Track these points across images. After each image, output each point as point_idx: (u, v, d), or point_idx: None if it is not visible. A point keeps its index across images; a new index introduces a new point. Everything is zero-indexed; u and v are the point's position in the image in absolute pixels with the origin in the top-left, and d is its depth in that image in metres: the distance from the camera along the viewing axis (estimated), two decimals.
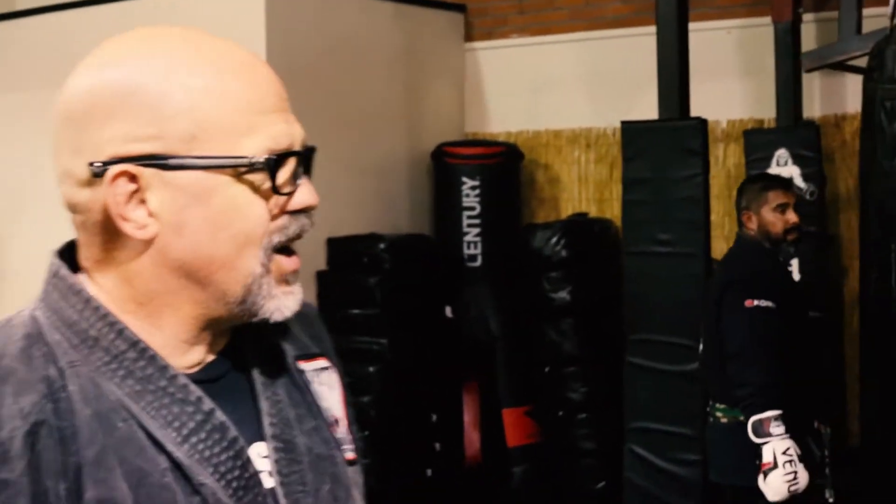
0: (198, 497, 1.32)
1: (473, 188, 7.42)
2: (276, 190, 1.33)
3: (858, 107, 5.04)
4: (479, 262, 7.43)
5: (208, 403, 1.35)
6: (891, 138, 4.94)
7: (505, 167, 7.52)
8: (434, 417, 7.22)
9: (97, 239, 1.36)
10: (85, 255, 1.39)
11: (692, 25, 6.96)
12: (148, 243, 1.34)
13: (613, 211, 7.57)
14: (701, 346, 4.79)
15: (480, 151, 7.55)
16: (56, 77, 5.74)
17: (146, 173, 1.31)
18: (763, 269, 4.62)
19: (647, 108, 6.92)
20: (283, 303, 1.38)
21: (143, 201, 1.32)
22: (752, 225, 4.63)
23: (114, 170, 1.30)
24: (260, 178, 1.33)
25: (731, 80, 7.18)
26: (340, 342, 5.41)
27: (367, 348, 6.97)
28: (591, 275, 7.09)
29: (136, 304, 1.36)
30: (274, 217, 1.35)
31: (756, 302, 4.41)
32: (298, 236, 1.39)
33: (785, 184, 4.80)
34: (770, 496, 4.29)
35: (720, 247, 6.67)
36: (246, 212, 1.34)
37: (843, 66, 5.55)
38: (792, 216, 4.64)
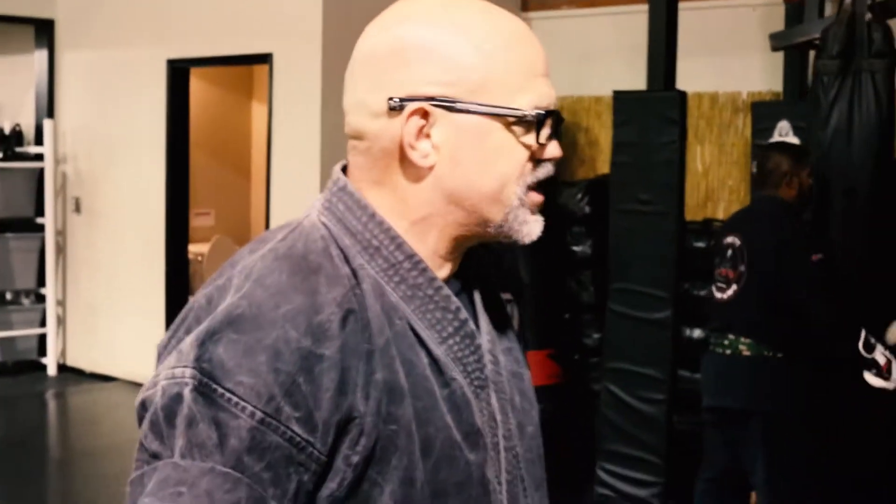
0: (447, 389, 1.50)
1: None
2: (538, 140, 1.52)
3: None
4: None
5: (464, 313, 1.55)
6: (825, 110, 5.43)
7: None
8: None
9: (381, 163, 1.54)
10: (360, 177, 1.56)
11: (718, 2, 7.47)
12: (427, 171, 1.52)
13: None
14: (731, 290, 5.03)
15: None
16: (145, 37, 6.85)
17: (436, 112, 1.49)
18: (803, 230, 5.06)
19: (681, 77, 7.47)
20: (532, 228, 1.56)
21: (428, 135, 1.50)
22: (793, 190, 5.08)
23: (411, 106, 1.48)
24: (522, 129, 1.51)
25: (754, 54, 7.62)
26: None
27: None
28: None
29: (407, 221, 1.54)
30: (530, 161, 1.53)
31: (817, 257, 4.91)
32: (546, 178, 1.57)
33: (808, 154, 5.26)
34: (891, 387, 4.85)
35: (733, 209, 7.19)
36: (510, 155, 1.52)
37: (808, 46, 5.98)
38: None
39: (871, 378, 4.87)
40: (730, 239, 5.04)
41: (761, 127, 7.01)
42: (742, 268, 4.93)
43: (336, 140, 7.67)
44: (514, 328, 1.72)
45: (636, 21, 7.90)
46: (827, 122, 5.38)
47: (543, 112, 1.51)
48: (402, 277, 1.51)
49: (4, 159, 9.38)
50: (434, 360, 1.50)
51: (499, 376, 1.60)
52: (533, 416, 1.68)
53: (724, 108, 7.78)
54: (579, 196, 7.72)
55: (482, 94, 1.49)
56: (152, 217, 8.85)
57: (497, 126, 1.50)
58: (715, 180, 7.95)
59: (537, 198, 1.56)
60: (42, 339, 9.72)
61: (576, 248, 7.74)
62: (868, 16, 5.32)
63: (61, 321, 9.72)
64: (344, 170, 1.58)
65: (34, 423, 8.58)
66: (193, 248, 10.18)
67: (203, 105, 9.98)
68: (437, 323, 1.52)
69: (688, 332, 7.10)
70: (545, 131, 1.52)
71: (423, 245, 1.54)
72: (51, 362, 9.63)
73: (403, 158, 1.51)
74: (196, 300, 1.47)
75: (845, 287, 5.08)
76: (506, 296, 1.73)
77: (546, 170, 1.55)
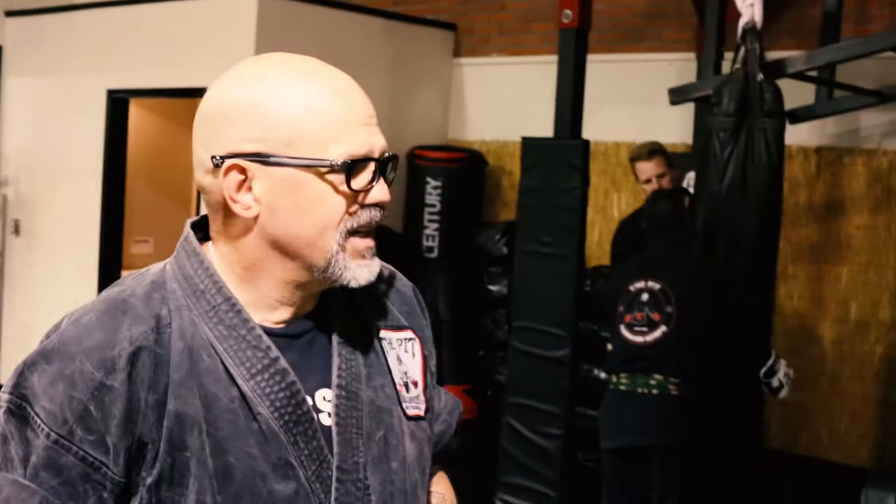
0: (255, 423, 1.61)
1: (436, 188, 8.30)
2: (349, 187, 1.62)
3: None
4: (435, 254, 8.30)
5: (275, 352, 1.65)
6: (721, 164, 5.71)
7: (466, 171, 8.35)
8: None
9: (218, 215, 1.69)
10: (211, 227, 1.72)
11: (639, 55, 7.77)
12: (252, 221, 1.64)
13: None
14: (658, 332, 5.30)
15: (445, 156, 8.40)
16: (87, 66, 7.10)
17: (253, 167, 1.61)
18: (723, 270, 5.35)
19: (601, 125, 7.76)
20: (357, 273, 1.67)
21: (249, 188, 1.63)
22: (687, 230, 5.39)
23: (229, 162, 1.62)
24: (339, 178, 1.62)
25: (669, 107, 7.90)
26: None
27: None
28: None
29: (241, 267, 1.68)
30: (350, 207, 1.64)
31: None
32: (370, 224, 1.68)
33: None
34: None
35: None
36: (326, 202, 1.62)
37: (702, 101, 6.27)
38: None
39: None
40: (640, 284, 5.29)
41: (673, 176, 7.30)
42: (669, 308, 5.18)
43: None
44: (390, 364, 1.79)
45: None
46: (723, 177, 5.64)
47: (351, 160, 1.61)
48: (220, 318, 1.64)
49: None
50: (242, 395, 1.61)
51: (354, 411, 1.69)
52: (399, 451, 1.74)
53: None
54: (497, 237, 8.00)
55: (294, 147, 1.60)
56: (88, 242, 9.05)
57: (311, 177, 1.61)
58: None
59: (361, 243, 1.67)
60: None
61: (492, 287, 8.02)
62: (760, 76, 5.61)
63: None
64: (196, 224, 1.76)
65: None
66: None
67: (144, 135, 10.19)
68: (246, 360, 1.63)
69: (590, 370, 7.37)
70: (363, 177, 1.63)
71: (255, 290, 1.68)
72: None
73: (229, 211, 1.65)
74: (43, 336, 1.65)
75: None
76: (407, 333, 1.85)
77: (369, 215, 1.65)
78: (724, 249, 5.66)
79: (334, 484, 1.65)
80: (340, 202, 1.63)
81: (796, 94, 6.86)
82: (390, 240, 8.27)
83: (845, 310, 7.17)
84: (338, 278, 1.66)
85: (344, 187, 1.62)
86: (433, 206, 8.30)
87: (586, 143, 6.43)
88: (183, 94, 8.48)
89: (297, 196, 1.62)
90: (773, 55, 6.16)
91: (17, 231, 9.69)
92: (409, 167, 8.55)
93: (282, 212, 1.62)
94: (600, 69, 8.09)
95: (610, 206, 8.24)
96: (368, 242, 1.68)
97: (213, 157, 1.63)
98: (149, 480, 1.57)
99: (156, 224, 10.67)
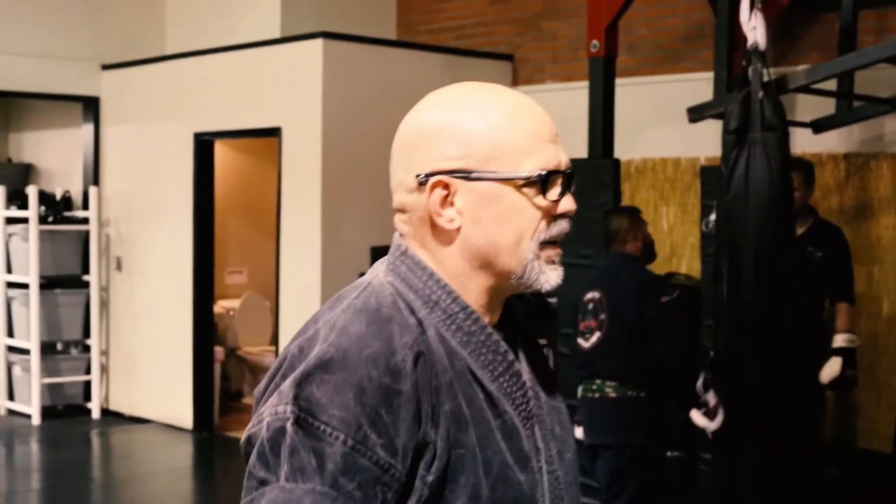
0: (500, 420, 1.71)
1: None
2: (545, 197, 1.71)
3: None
4: None
5: (511, 355, 1.76)
6: (726, 177, 6.19)
7: None
8: None
9: (420, 230, 1.75)
10: (411, 245, 1.77)
11: (681, 76, 8.26)
12: (455, 233, 1.72)
13: None
14: (594, 338, 5.79)
15: None
16: (174, 112, 8.11)
17: (455, 182, 1.70)
18: (653, 277, 5.90)
19: (648, 143, 8.26)
20: (550, 276, 1.75)
21: (452, 203, 1.71)
22: (638, 243, 5.91)
23: (433, 180, 1.71)
24: (533, 190, 1.71)
25: (710, 123, 8.38)
26: None
27: None
28: None
29: (449, 277, 1.75)
30: (544, 218, 1.73)
31: (666, 298, 5.70)
32: (561, 234, 1.76)
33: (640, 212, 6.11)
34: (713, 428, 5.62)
35: (695, 264, 7.96)
36: (523, 213, 1.71)
37: (719, 118, 6.75)
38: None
39: (696, 417, 5.63)
40: (590, 295, 5.80)
41: (708, 189, 7.76)
42: (602, 316, 5.68)
43: (334, 202, 8.58)
44: (550, 368, 1.93)
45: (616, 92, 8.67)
46: (728, 189, 6.13)
47: (545, 173, 1.70)
48: (458, 326, 1.72)
49: (55, 222, 10.40)
50: (489, 395, 1.71)
51: (540, 410, 1.80)
52: (570, 444, 1.88)
53: (685, 172, 8.54)
54: None
55: (492, 162, 1.69)
56: (182, 274, 9.80)
57: (508, 189, 1.70)
58: (678, 237, 8.69)
59: (552, 251, 1.75)
60: (87, 385, 10.68)
61: (551, 300, 8.54)
62: (760, 93, 6.08)
63: (104, 369, 10.68)
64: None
65: (80, 458, 9.56)
66: (226, 304, 11.13)
67: (234, 173, 10.94)
68: (489, 364, 1.72)
69: None
70: (554, 190, 1.73)
71: (467, 297, 1.75)
72: (95, 406, 10.59)
73: (434, 225, 1.73)
74: (289, 350, 1.68)
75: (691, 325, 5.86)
76: (542, 341, 2.19)
77: (560, 227, 1.75)
78: (729, 258, 6.14)
79: (545, 476, 1.78)
80: (536, 213, 1.72)
81: (821, 105, 7.32)
82: None
83: (878, 306, 7.58)
84: (532, 283, 1.74)
85: (538, 199, 1.71)
86: None
87: (616, 161, 6.97)
88: (260, 134, 9.21)
89: (496, 208, 1.71)
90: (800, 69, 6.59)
91: (119, 267, 10.49)
92: None
93: (483, 223, 1.71)
94: (645, 90, 8.64)
95: (659, 219, 8.72)
96: (557, 250, 1.77)
97: (417, 176, 1.72)
98: (429, 478, 1.63)
99: (249, 256, 11.40)
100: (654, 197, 8.77)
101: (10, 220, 10.49)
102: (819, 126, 7.33)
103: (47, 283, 10.42)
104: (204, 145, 9.67)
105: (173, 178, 9.86)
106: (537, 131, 1.73)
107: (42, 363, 10.34)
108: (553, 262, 1.76)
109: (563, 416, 1.87)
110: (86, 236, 10.57)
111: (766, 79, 6.13)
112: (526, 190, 1.70)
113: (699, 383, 5.60)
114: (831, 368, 6.04)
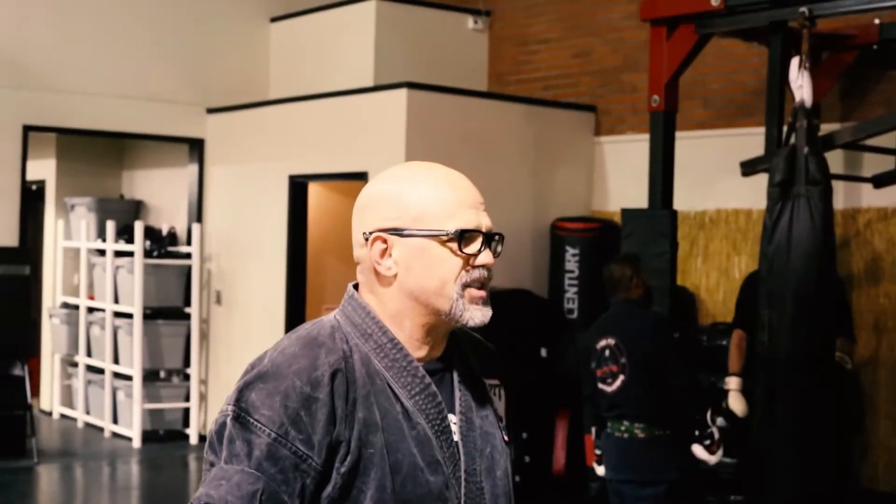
0: (414, 430, 2.08)
1: (574, 255, 9.17)
2: (461, 250, 2.10)
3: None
4: (575, 315, 9.14)
5: (428, 379, 2.13)
6: (769, 229, 6.42)
7: (601, 239, 9.13)
8: (525, 435, 8.97)
9: (369, 277, 2.16)
10: (363, 289, 2.19)
11: (757, 129, 8.48)
12: (393, 279, 2.12)
13: (692, 280, 9.13)
14: (618, 381, 6.03)
15: (581, 226, 9.25)
16: (272, 154, 8.71)
17: (391, 238, 2.12)
18: (662, 317, 6.19)
19: (722, 194, 8.50)
20: (473, 314, 2.12)
21: (390, 255, 2.12)
22: (639, 290, 6.19)
23: (374, 235, 2.12)
24: (455, 245, 2.10)
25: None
26: None
27: None
28: None
29: (388, 316, 2.14)
30: (465, 267, 2.11)
31: (675, 335, 6.01)
32: (479, 280, 2.13)
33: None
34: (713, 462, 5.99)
35: None
36: (446, 262, 2.10)
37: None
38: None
39: (698, 451, 5.88)
40: (603, 342, 6.03)
41: None
42: (623, 360, 5.94)
43: None
44: (492, 401, 2.26)
45: (683, 146, 8.83)
46: (770, 240, 6.35)
47: (461, 231, 2.09)
48: (385, 353, 2.12)
49: (160, 256, 10.98)
50: (405, 409, 2.09)
51: (471, 432, 2.17)
52: (501, 463, 2.22)
53: (756, 224, 8.73)
54: None
55: (421, 222, 2.10)
56: (276, 309, 10.26)
57: (434, 244, 2.10)
58: None
59: (476, 293, 2.13)
60: (186, 411, 11.21)
61: None
62: (805, 149, 6.31)
63: (203, 397, 11.20)
64: (356, 286, 2.22)
65: (177, 480, 10.06)
66: None
67: (330, 213, 11.40)
68: (407, 384, 2.11)
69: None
70: (473, 245, 2.11)
71: (402, 332, 2.14)
72: (193, 432, 11.11)
73: (377, 273, 2.14)
74: (247, 366, 2.11)
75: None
76: (493, 381, 2.30)
77: (479, 273, 2.12)
78: (770, 307, 6.36)
79: (463, 484, 2.13)
80: (457, 262, 2.11)
81: (888, 160, 7.51)
82: (536, 304, 9.18)
83: None
84: (459, 319, 2.11)
85: (459, 252, 2.10)
86: (572, 272, 9.17)
87: (674, 212, 7.23)
88: (348, 178, 9.64)
89: (424, 258, 2.10)
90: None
91: (218, 300, 11.01)
92: (551, 237, 9.45)
93: (413, 270, 2.11)
94: (719, 143, 8.89)
95: (731, 268, 8.94)
96: (482, 293, 2.14)
97: (363, 233, 2.14)
98: (342, 470, 2.02)
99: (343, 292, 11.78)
100: (727, 247, 8.99)
101: (119, 254, 11.10)
102: (879, 181, 7.52)
103: (151, 314, 10.98)
104: (298, 187, 10.14)
105: (269, 217, 10.34)
106: (459, 200, 2.13)
107: (144, 389, 10.87)
108: (477, 303, 2.13)
109: (496, 440, 2.23)
110: (188, 270, 11.11)
111: (812, 135, 6.38)
112: (449, 244, 2.10)
113: (708, 415, 5.86)
114: None
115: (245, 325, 10.70)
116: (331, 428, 2.01)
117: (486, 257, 2.13)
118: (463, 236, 2.10)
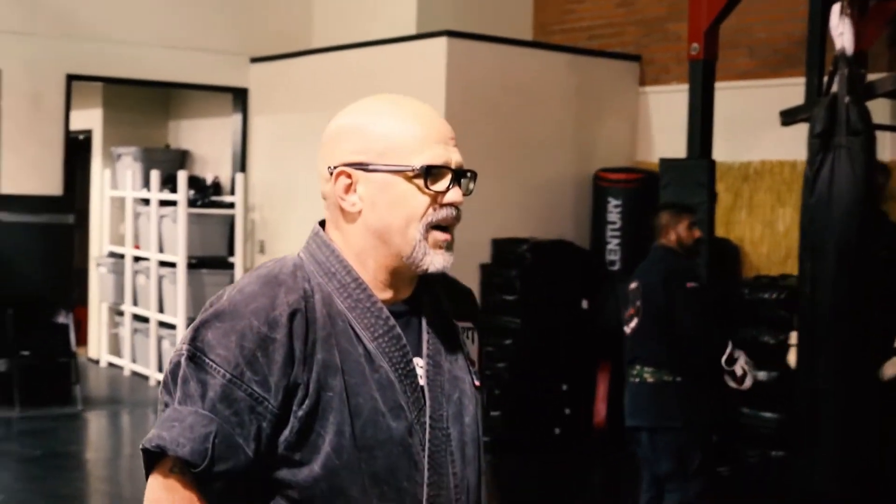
0: (377, 374, 2.00)
1: (616, 206, 9.08)
2: (427, 187, 2.01)
3: None
4: (617, 267, 9.07)
5: (392, 321, 2.04)
6: (810, 181, 6.33)
7: (643, 190, 9.04)
8: (565, 387, 8.94)
9: (334, 213, 2.08)
10: (329, 226, 2.10)
11: (794, 79, 8.37)
12: (357, 215, 2.04)
13: (736, 233, 9.02)
14: (633, 324, 6.03)
15: (624, 177, 9.17)
16: (315, 103, 8.66)
17: (356, 173, 2.03)
18: (681, 263, 6.08)
19: (767, 146, 8.39)
20: (434, 259, 2.03)
21: (354, 190, 2.03)
22: (672, 237, 6.11)
23: (338, 170, 2.04)
24: (422, 182, 2.01)
25: None
26: (491, 319, 7.66)
27: (505, 325, 8.83)
28: None
29: (353, 254, 2.06)
30: (431, 206, 2.02)
31: (691, 284, 5.91)
32: (447, 220, 2.04)
33: (690, 209, 6.28)
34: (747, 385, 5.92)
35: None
36: (411, 199, 2.01)
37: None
38: (697, 232, 6.15)
39: (729, 381, 5.83)
40: (632, 285, 6.01)
41: None
42: (638, 303, 5.90)
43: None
44: (463, 345, 2.18)
45: (727, 96, 8.72)
46: (812, 192, 6.26)
47: (427, 167, 2.00)
48: (348, 293, 2.03)
49: (204, 206, 11.01)
50: (367, 352, 2.01)
51: (438, 376, 2.09)
52: (470, 409, 2.14)
53: (801, 175, 8.61)
54: None
55: (386, 157, 2.01)
56: None
57: (400, 179, 2.01)
58: (793, 240, 8.76)
59: (440, 236, 2.04)
60: None
61: None
62: (846, 98, 6.20)
63: None
64: (322, 223, 2.14)
65: None
66: None
67: None
68: (370, 326, 2.03)
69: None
70: (442, 182, 2.03)
71: (366, 272, 2.06)
72: None
73: (342, 209, 2.06)
74: (206, 304, 2.04)
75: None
76: (466, 324, 2.22)
77: (446, 212, 2.04)
78: (812, 260, 6.28)
79: (428, 430, 2.04)
80: (423, 200, 2.02)
81: None
82: (577, 256, 9.11)
83: None
84: (419, 263, 2.03)
85: (426, 189, 2.02)
86: (614, 223, 9.09)
87: (712, 162, 7.14)
88: None
89: (389, 194, 2.01)
90: None
91: (262, 250, 11.02)
92: (593, 188, 9.36)
93: (378, 206, 2.02)
94: (763, 93, 8.74)
95: (776, 220, 8.82)
96: (446, 237, 2.05)
97: (328, 168, 2.06)
98: (300, 413, 1.94)
99: None
100: (771, 199, 8.87)
101: (164, 203, 11.13)
102: None
103: (196, 263, 11.00)
104: None
105: (312, 168, 10.28)
106: (426, 134, 2.04)
107: None
108: (440, 248, 2.04)
109: (465, 385, 2.14)
110: (232, 220, 11.14)
111: (854, 84, 6.26)
112: (416, 181, 2.01)
113: (724, 359, 5.79)
114: (893, 367, 6.13)
115: None
116: (288, 370, 1.94)
117: (454, 195, 2.04)
118: (430, 172, 2.01)
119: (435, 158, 2.02)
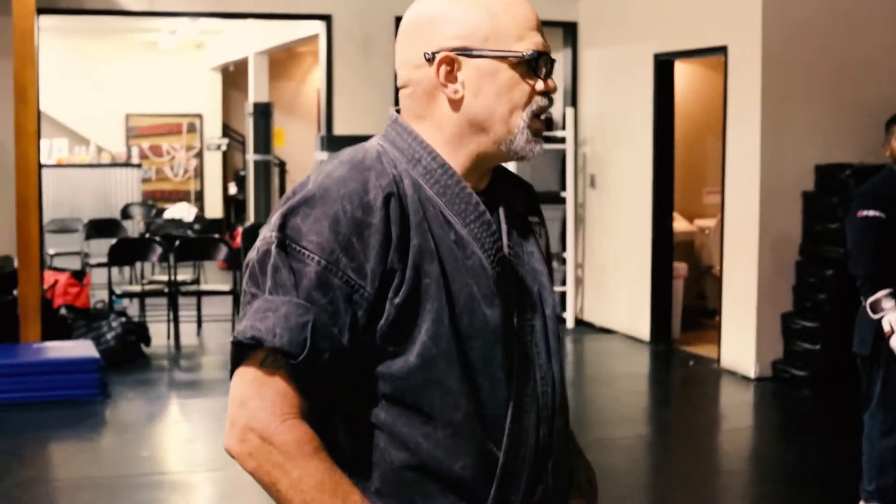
0: (469, 260, 1.95)
1: None
2: (535, 73, 1.97)
3: None
4: None
5: (482, 207, 1.99)
6: None
7: None
8: None
9: (422, 101, 2.01)
10: (406, 115, 2.04)
11: None
12: (456, 103, 1.98)
13: None
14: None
15: None
16: (636, 35, 10.78)
17: (459, 59, 1.96)
18: (882, 187, 5.48)
19: None
20: (534, 147, 1.99)
21: (456, 77, 1.97)
22: (888, 151, 5.58)
23: (440, 56, 1.96)
24: (525, 68, 1.96)
25: None
26: (814, 249, 8.13)
27: (827, 255, 8.44)
28: None
29: (442, 142, 2.00)
30: (533, 93, 1.97)
31: (865, 213, 5.36)
32: (543, 109, 2.00)
33: None
34: None
35: None
36: (517, 87, 1.96)
37: None
38: None
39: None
40: None
41: None
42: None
43: (774, 122, 8.58)
44: (538, 239, 2.15)
45: None
46: None
47: (536, 53, 1.96)
48: (436, 180, 1.97)
49: None
50: (459, 237, 1.95)
51: (519, 266, 2.04)
52: (549, 302, 2.09)
53: None
54: None
55: (490, 43, 1.95)
56: (643, 193, 10.13)
57: (504, 66, 1.96)
58: None
59: (539, 124, 2.01)
60: (563, 295, 11.28)
61: None
62: None
63: (580, 281, 11.26)
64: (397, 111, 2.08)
65: None
66: (703, 223, 11.35)
67: (693, 90, 11.10)
68: (461, 212, 1.97)
69: None
70: (542, 70, 1.98)
71: (454, 159, 2.00)
72: (569, 316, 11.19)
73: (435, 97, 1.99)
74: (287, 192, 1.96)
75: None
76: (534, 219, 2.18)
77: (543, 101, 1.99)
78: None
79: (516, 319, 2.01)
80: (527, 88, 1.97)
81: None
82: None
83: None
84: (519, 150, 1.99)
85: (528, 77, 1.98)
86: None
87: None
88: (708, 53, 9.38)
89: (494, 82, 1.96)
90: None
91: (593, 184, 11.00)
92: None
93: (482, 94, 1.96)
94: None
95: None
96: (541, 126, 2.02)
97: (425, 53, 1.97)
98: (396, 300, 1.88)
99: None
100: None
101: None
102: None
103: None
104: (663, 66, 9.92)
105: (635, 99, 10.19)
106: (526, 20, 1.98)
107: None
108: (539, 136, 2.00)
109: (544, 277, 2.09)
110: (563, 155, 11.14)
111: None
112: (518, 68, 1.96)
113: (869, 301, 5.28)
114: None
115: (617, 210, 10.66)
116: (384, 256, 1.86)
117: (550, 83, 2.00)
118: (538, 59, 1.96)
119: (537, 46, 1.98)
